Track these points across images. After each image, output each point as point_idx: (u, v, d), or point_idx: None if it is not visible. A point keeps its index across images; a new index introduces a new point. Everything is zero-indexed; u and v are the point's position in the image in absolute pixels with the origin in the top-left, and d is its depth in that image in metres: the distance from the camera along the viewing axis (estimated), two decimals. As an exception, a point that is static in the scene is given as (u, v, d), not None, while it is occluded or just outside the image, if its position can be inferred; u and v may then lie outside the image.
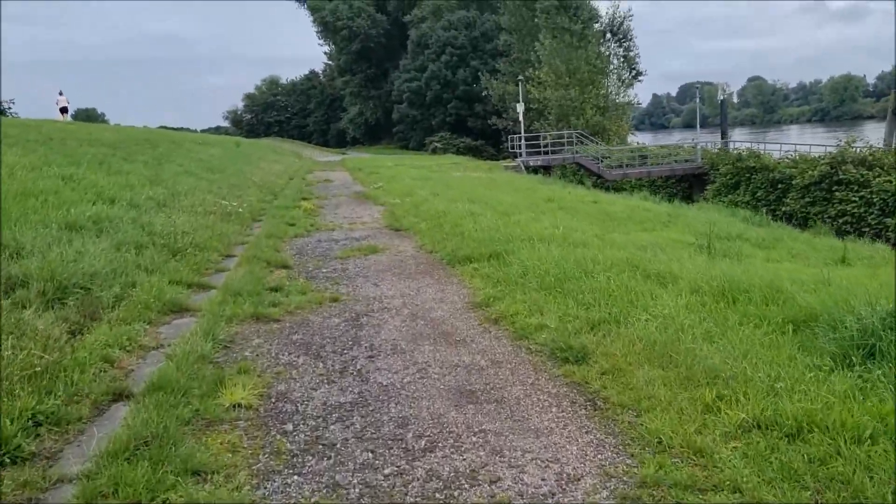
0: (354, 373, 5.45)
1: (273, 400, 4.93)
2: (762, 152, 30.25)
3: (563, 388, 4.89)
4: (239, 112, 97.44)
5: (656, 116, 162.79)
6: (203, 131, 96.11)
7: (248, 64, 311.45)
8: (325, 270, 9.38)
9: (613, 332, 5.69)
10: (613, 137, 47.62)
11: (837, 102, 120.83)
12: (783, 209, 27.18)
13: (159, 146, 24.64)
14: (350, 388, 5.12)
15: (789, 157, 29.40)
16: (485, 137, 59.32)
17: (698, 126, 38.28)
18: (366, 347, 6.05)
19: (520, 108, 34.26)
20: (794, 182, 26.97)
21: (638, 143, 44.66)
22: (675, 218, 13.98)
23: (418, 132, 64.27)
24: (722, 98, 61.43)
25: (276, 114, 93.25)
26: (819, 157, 27.07)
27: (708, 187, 31.94)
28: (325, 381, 5.30)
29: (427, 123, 62.51)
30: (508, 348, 5.84)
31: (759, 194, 28.66)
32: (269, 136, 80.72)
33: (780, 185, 27.86)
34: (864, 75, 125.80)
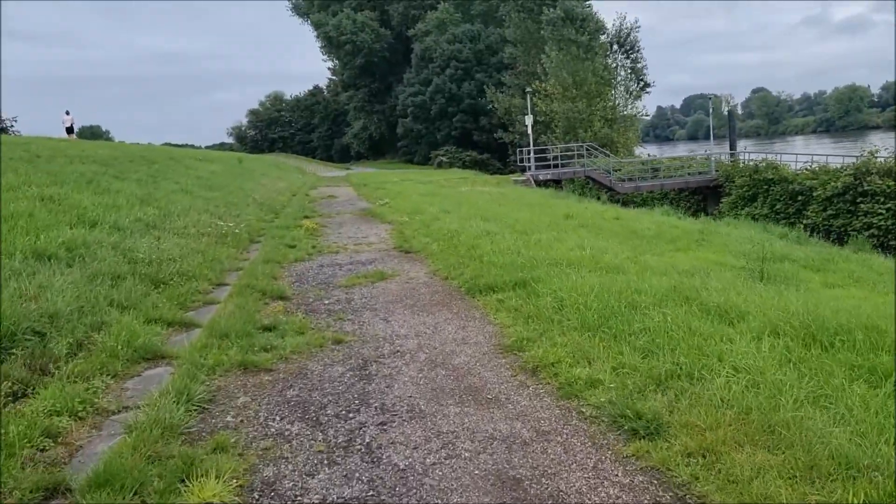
0: (362, 448, 4.26)
1: (257, 494, 3.74)
2: (779, 163, 29.04)
3: (638, 478, 3.69)
4: (243, 128, 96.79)
5: (661, 129, 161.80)
6: (208, 148, 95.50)
7: (255, 80, 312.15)
8: (327, 302, 8.21)
9: (688, 392, 4.48)
10: (621, 150, 46.55)
11: (843, 113, 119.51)
12: (804, 222, 25.92)
13: (156, 163, 23.59)
14: (357, 474, 3.92)
15: (807, 168, 28.19)
16: (490, 151, 58.33)
17: (711, 138, 37.10)
18: (376, 409, 4.86)
19: (528, 120, 33.19)
20: (815, 194, 25.75)
21: (649, 156, 43.53)
22: (708, 235, 12.80)
23: (423, 146, 63.31)
24: (729, 109, 60.39)
25: (280, 129, 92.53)
26: (840, 167, 25.86)
27: (723, 200, 30.71)
28: (326, 461, 4.10)
29: (432, 137, 61.55)
30: (555, 412, 4.64)
31: (777, 207, 27.43)
32: (273, 152, 79.91)
33: (799, 198, 26.63)
34: (869, 86, 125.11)
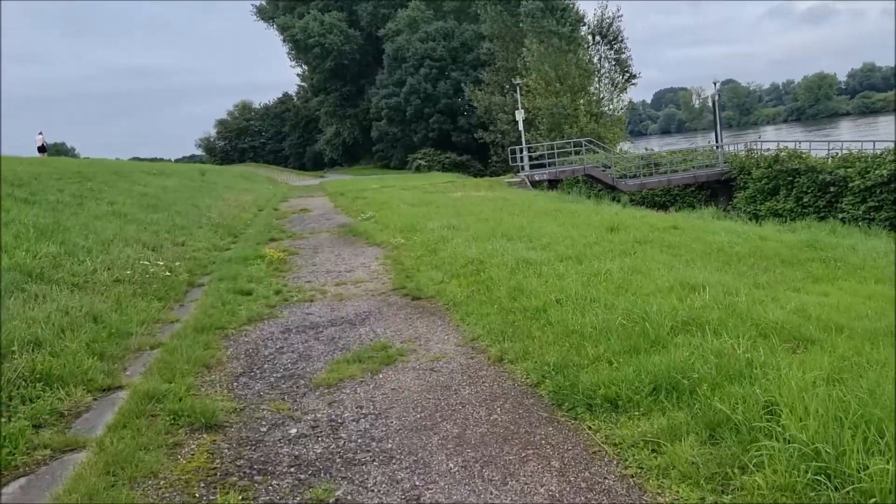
0: None
1: None
2: (804, 152, 25.57)
3: None
4: (212, 139, 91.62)
5: (633, 124, 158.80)
6: (178, 160, 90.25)
7: (225, 91, 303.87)
8: (293, 431, 4.27)
9: None
10: (609, 145, 43.04)
11: (813, 101, 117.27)
12: (839, 216, 22.47)
13: (92, 180, 19.41)
14: None
15: (834, 155, 24.79)
16: (470, 152, 54.49)
17: (718, 128, 33.60)
18: None
19: (519, 115, 29.34)
20: (851, 184, 22.33)
21: (646, 149, 39.89)
22: (818, 251, 9.11)
23: (399, 150, 59.26)
24: (714, 100, 57.28)
25: (250, 139, 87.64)
26: (881, 154, 22.44)
27: (738, 194, 27.22)
28: None
29: (408, 140, 57.51)
30: None
31: (805, 199, 23.96)
32: (243, 163, 75.23)
33: (831, 189, 23.19)
34: (835, 73, 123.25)
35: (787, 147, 26.38)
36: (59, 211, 12.91)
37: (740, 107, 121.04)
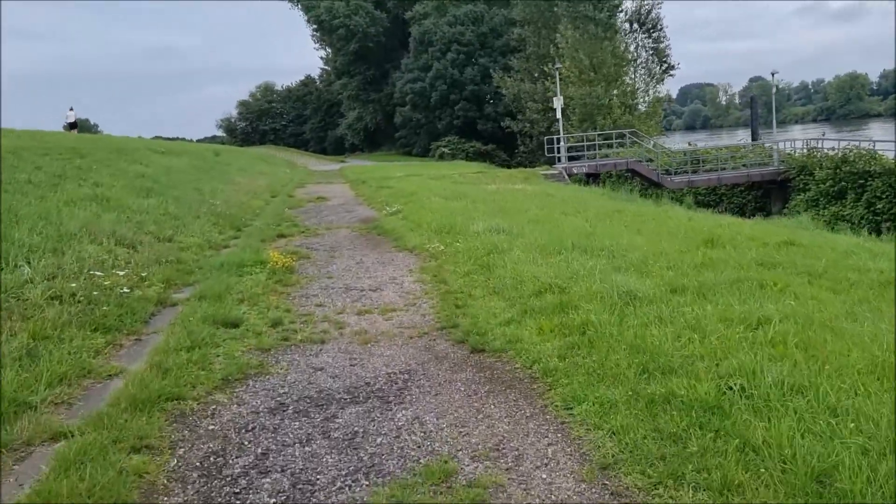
0: None
1: None
2: (879, 153, 22.56)
3: None
4: (233, 120, 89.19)
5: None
6: (200, 141, 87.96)
7: (248, 74, 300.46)
8: None
9: None
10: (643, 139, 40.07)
11: (843, 101, 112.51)
12: (919, 225, 19.59)
13: (87, 156, 16.96)
14: None
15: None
16: (496, 141, 51.56)
17: (774, 123, 30.56)
18: None
19: (557, 102, 26.50)
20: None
21: (690, 144, 36.78)
22: None
23: (423, 137, 56.43)
24: (752, 95, 54.03)
25: (271, 121, 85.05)
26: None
27: (797, 197, 24.27)
28: None
29: (432, 127, 54.65)
30: None
31: (878, 206, 21.03)
32: (264, 145, 72.75)
33: (914, 195, 20.27)
34: (866, 73, 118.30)
35: (857, 146, 23.36)
36: (25, 194, 10.43)
37: (769, 104, 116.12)
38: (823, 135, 29.06)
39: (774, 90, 33.21)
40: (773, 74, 29.25)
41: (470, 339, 5.26)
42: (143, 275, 7.47)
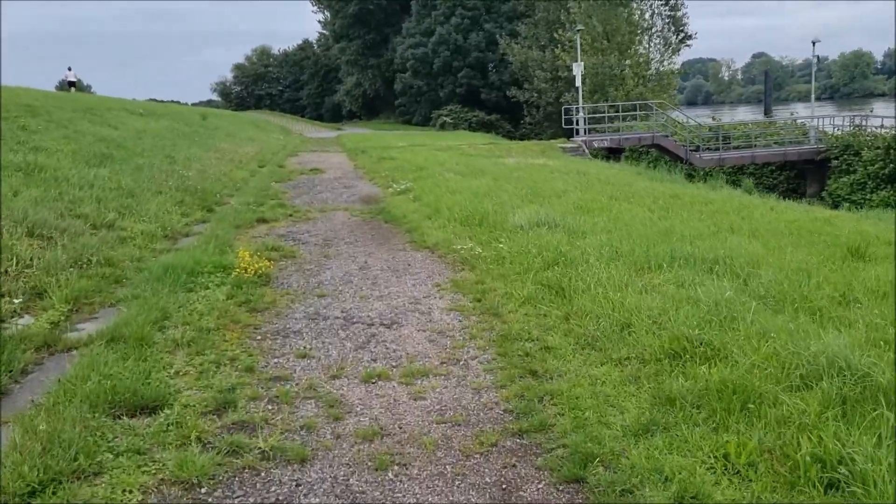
0: None
1: None
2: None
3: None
4: (228, 84, 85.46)
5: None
6: (195, 105, 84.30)
7: (245, 38, 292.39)
8: None
9: None
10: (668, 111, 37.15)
11: (848, 79, 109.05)
12: None
13: (44, 115, 14.23)
14: None
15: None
16: (500, 111, 48.52)
17: (813, 99, 27.82)
18: None
19: (577, 69, 23.60)
20: None
21: (713, 119, 33.89)
22: None
23: (424, 105, 53.30)
24: (766, 70, 50.99)
25: (267, 86, 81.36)
26: None
27: (840, 179, 21.68)
28: None
29: (434, 95, 51.50)
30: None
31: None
32: (259, 110, 69.31)
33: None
34: (871, 52, 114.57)
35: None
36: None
37: (773, 81, 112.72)
38: (871, 111, 26.29)
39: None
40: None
41: (582, 472, 2.69)
42: (43, 288, 4.88)
